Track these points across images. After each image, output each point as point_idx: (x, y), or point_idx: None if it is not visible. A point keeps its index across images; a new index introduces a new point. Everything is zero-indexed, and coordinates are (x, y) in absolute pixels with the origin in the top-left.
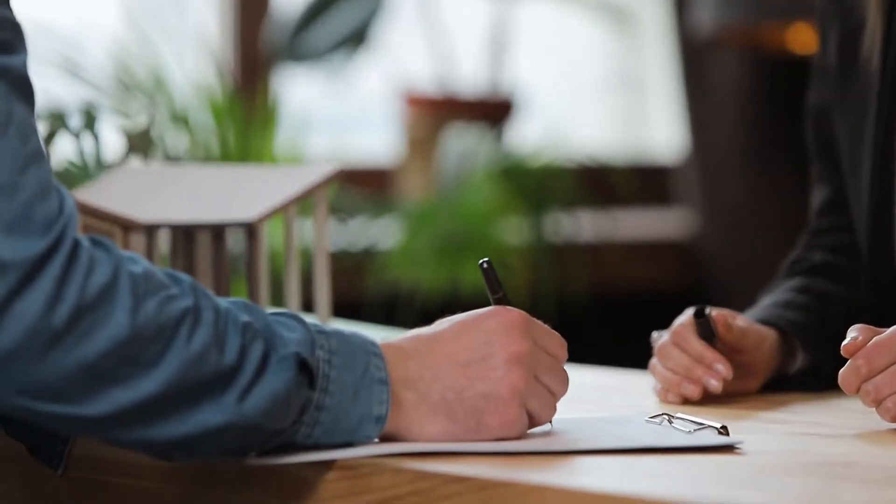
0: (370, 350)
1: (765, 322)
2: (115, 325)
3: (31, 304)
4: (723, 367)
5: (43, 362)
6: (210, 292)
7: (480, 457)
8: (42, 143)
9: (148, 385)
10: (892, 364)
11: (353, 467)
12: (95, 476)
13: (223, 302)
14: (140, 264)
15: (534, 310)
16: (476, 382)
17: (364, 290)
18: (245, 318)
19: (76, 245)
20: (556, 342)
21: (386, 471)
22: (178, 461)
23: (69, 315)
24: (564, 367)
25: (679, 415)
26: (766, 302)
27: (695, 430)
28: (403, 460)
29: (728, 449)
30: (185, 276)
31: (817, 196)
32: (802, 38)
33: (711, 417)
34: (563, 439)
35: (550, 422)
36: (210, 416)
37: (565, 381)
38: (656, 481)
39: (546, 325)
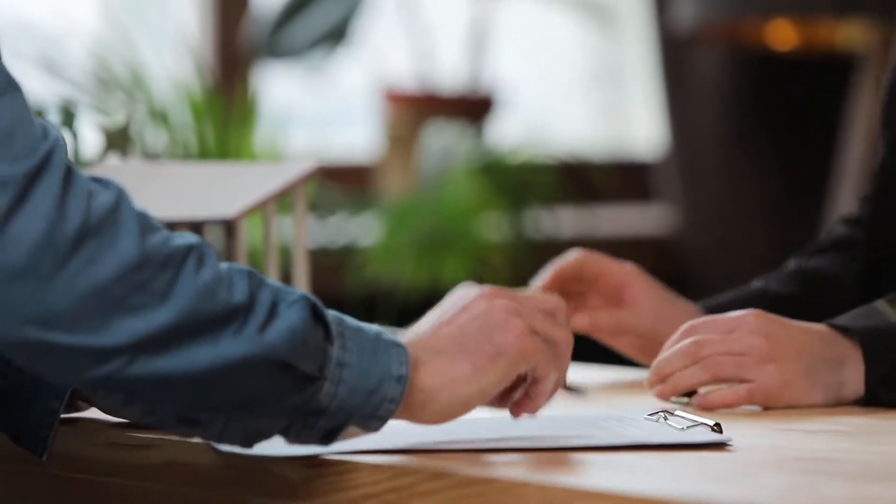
0: (373, 326)
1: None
2: (123, 249)
3: (32, 221)
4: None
5: (52, 286)
6: (211, 247)
7: (460, 453)
8: (13, 77)
9: (162, 314)
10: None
11: (332, 464)
12: (75, 474)
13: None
14: (139, 205)
15: None
16: (473, 320)
17: (344, 288)
18: (249, 270)
19: (70, 170)
20: (546, 299)
21: (365, 467)
22: (206, 424)
23: (74, 235)
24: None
25: (677, 412)
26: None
27: (688, 427)
28: (382, 456)
29: (719, 446)
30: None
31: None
32: (782, 35)
33: (711, 414)
34: (553, 436)
35: (569, 385)
36: (230, 348)
37: (566, 329)
38: (639, 477)
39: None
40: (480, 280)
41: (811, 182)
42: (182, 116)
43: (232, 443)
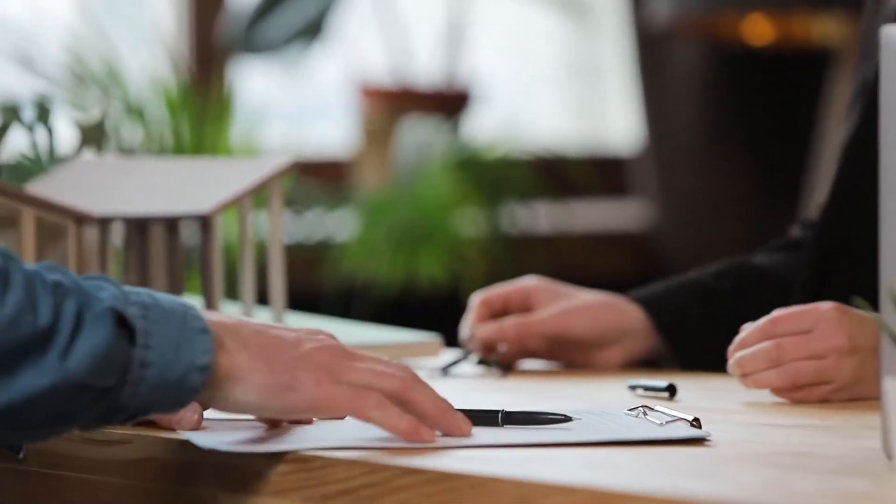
0: (185, 304)
1: (638, 299)
2: None
3: None
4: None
5: None
6: (16, 255)
7: (434, 449)
8: None
9: None
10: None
11: (306, 460)
12: (50, 470)
13: (30, 265)
14: None
15: None
16: (290, 347)
17: (320, 283)
18: (54, 277)
19: None
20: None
21: (340, 463)
22: (6, 440)
23: None
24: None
25: (657, 407)
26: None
27: (667, 423)
28: (357, 452)
29: (698, 441)
30: None
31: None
32: (758, 29)
33: (686, 410)
34: (529, 432)
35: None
36: (33, 379)
37: (393, 364)
38: (612, 472)
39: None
40: (458, 275)
41: (787, 176)
42: (158, 112)
43: (30, 444)
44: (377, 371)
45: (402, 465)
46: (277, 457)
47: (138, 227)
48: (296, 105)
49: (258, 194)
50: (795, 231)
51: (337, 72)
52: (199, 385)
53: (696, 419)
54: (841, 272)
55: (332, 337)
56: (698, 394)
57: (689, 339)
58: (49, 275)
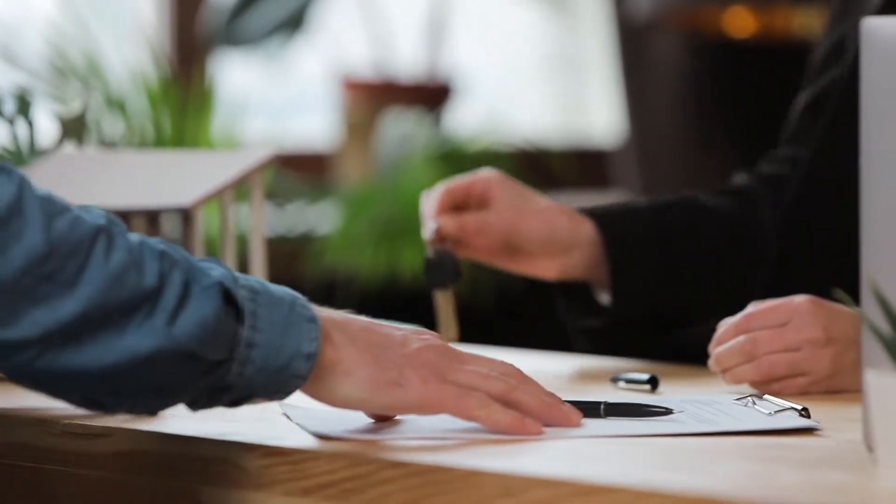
0: (294, 294)
1: (592, 213)
2: (29, 240)
3: None
4: (432, 226)
5: None
6: (123, 223)
7: (418, 442)
8: None
9: (70, 305)
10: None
11: (289, 453)
12: (25, 463)
13: (135, 235)
14: (42, 189)
15: (474, 294)
16: (398, 345)
17: (302, 276)
18: (162, 247)
19: None
20: (492, 363)
21: (322, 456)
22: (110, 407)
23: None
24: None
25: (765, 396)
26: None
27: (775, 412)
28: (340, 445)
29: (808, 431)
30: (94, 207)
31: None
32: (740, 22)
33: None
34: (644, 424)
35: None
36: (139, 340)
37: (500, 363)
38: (594, 465)
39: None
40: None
41: None
42: (139, 104)
43: (136, 415)
44: (483, 373)
45: (385, 458)
46: (259, 449)
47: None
48: (277, 98)
49: (239, 187)
50: (740, 178)
51: (318, 65)
52: (305, 372)
53: (804, 409)
54: (806, 262)
55: (438, 338)
56: (680, 387)
57: (631, 265)
58: (157, 244)
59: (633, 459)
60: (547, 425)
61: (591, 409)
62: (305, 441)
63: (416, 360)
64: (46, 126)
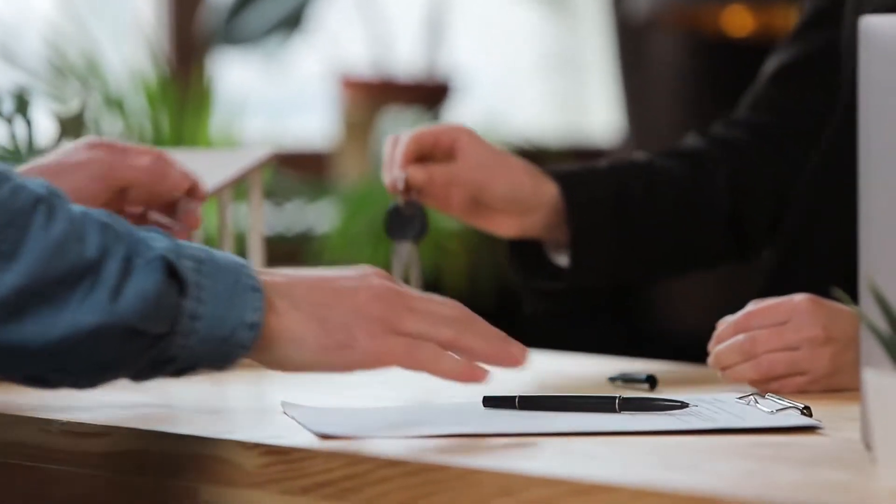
0: (239, 262)
1: (555, 175)
2: None
3: None
4: (399, 174)
5: None
6: (65, 195)
7: (416, 441)
8: None
9: (9, 278)
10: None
11: (287, 452)
12: (23, 462)
13: (78, 206)
14: None
15: (472, 294)
16: (343, 301)
17: None
18: (105, 219)
19: None
20: (442, 303)
21: (320, 455)
22: (53, 383)
23: None
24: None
25: (768, 395)
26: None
27: (777, 411)
28: (338, 444)
29: (810, 429)
30: (38, 178)
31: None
32: (738, 20)
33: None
34: (649, 420)
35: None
36: (81, 315)
37: (449, 304)
38: (591, 464)
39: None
40: (438, 267)
41: None
42: (137, 103)
43: (78, 389)
44: (432, 320)
45: (383, 457)
46: (257, 448)
47: None
48: (276, 97)
49: (238, 186)
50: (693, 140)
51: (317, 64)
52: (249, 342)
53: (806, 407)
54: (809, 260)
55: (384, 276)
56: (678, 385)
57: (592, 232)
58: (100, 216)
59: (632, 458)
60: (496, 366)
61: (605, 404)
62: (304, 440)
63: (363, 316)
64: (45, 125)
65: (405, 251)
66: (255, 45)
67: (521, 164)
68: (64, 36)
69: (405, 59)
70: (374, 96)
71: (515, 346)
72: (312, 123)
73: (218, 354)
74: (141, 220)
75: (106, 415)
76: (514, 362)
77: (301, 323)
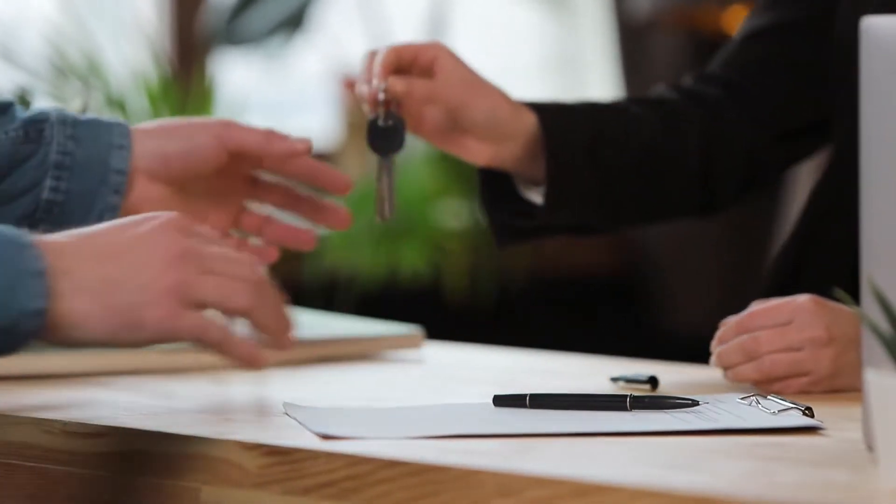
0: (21, 241)
1: (533, 105)
2: None
3: None
4: (375, 83)
5: None
6: None
7: (417, 441)
8: None
9: None
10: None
11: (289, 452)
12: (24, 462)
13: None
14: None
15: (473, 294)
16: (132, 275)
17: (302, 276)
18: None
19: None
20: (237, 258)
21: (321, 455)
22: None
23: None
24: (244, 258)
25: (770, 396)
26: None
27: (779, 411)
28: (339, 445)
29: (812, 430)
30: None
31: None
32: (739, 21)
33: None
34: (642, 418)
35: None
36: None
37: (246, 264)
38: (592, 464)
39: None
40: (439, 268)
41: None
42: (139, 104)
43: None
44: (228, 286)
45: (384, 457)
46: (259, 449)
47: None
48: (277, 97)
49: None
50: (667, 92)
51: (318, 63)
52: (36, 328)
53: (808, 408)
54: (819, 261)
55: (179, 226)
56: (680, 385)
57: (568, 173)
58: None
59: (633, 458)
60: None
61: (616, 403)
62: (305, 440)
63: (154, 290)
64: None
65: (384, 167)
66: (256, 45)
67: (500, 91)
68: (65, 36)
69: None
70: None
71: (293, 334)
72: (314, 123)
73: (6, 342)
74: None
75: (107, 415)
76: (288, 345)
77: (87, 304)
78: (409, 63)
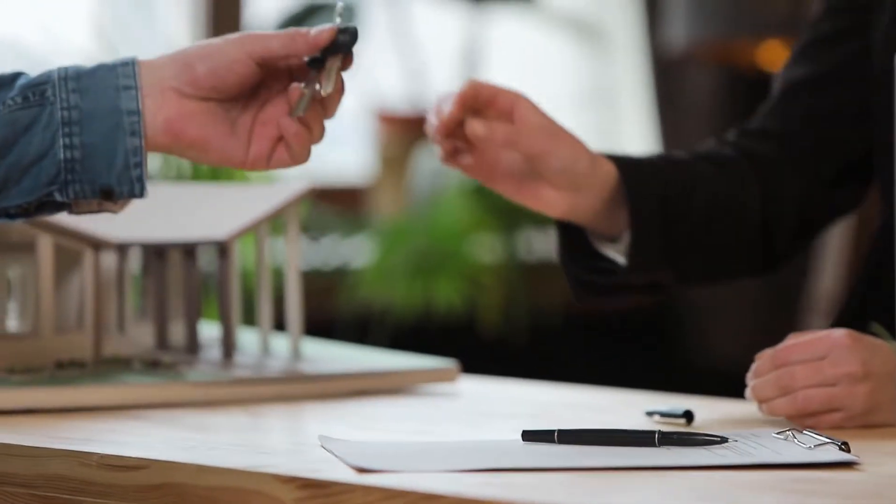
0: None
1: (610, 157)
2: None
3: None
4: (447, 109)
5: None
6: None
7: (453, 475)
8: None
9: None
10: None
11: (324, 485)
12: (61, 495)
13: None
14: None
15: (508, 328)
16: None
17: (337, 310)
18: None
19: None
20: None
21: (357, 489)
22: None
23: None
24: None
25: (806, 430)
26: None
27: (815, 446)
28: (375, 478)
29: (848, 465)
30: None
31: (768, 100)
32: (774, 56)
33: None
34: (687, 456)
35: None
36: None
37: None
38: (628, 498)
39: None
40: (474, 302)
41: None
42: None
43: None
44: None
45: (420, 490)
46: (295, 482)
47: (156, 253)
48: None
49: (275, 220)
50: (726, 149)
51: (353, 98)
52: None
53: (844, 443)
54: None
55: None
56: (715, 419)
57: (650, 230)
58: None
59: (670, 493)
60: None
61: (644, 438)
62: (341, 473)
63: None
64: None
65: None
66: None
67: (579, 139)
68: None
69: (441, 92)
70: (409, 131)
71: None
72: (349, 158)
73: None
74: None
75: (143, 447)
76: None
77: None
78: (485, 103)
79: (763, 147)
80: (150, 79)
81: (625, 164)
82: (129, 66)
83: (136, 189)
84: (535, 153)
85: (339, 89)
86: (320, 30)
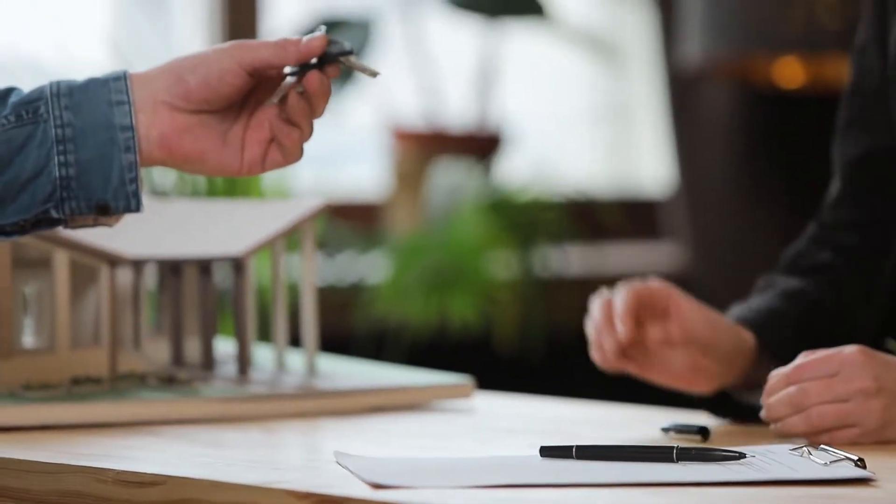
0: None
1: (745, 322)
2: None
3: None
4: (622, 329)
5: None
6: None
7: (469, 491)
8: None
9: None
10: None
11: (340, 501)
12: None
13: None
14: None
15: (524, 344)
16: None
17: (352, 326)
18: None
19: None
20: None
21: None
22: None
23: None
24: None
25: (821, 446)
26: (758, 304)
27: (831, 462)
28: (391, 494)
29: (863, 481)
30: None
31: (834, 186)
32: (790, 72)
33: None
34: (703, 471)
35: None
36: None
37: None
38: None
39: None
40: (490, 318)
41: None
42: None
43: None
44: None
45: None
46: (309, 497)
47: (172, 269)
48: (328, 147)
49: (290, 236)
50: (823, 255)
51: (369, 114)
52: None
53: (860, 459)
54: None
55: None
56: (730, 436)
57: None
58: None
59: None
60: None
61: (663, 454)
62: (356, 489)
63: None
64: None
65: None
66: None
67: (725, 319)
68: None
69: (456, 110)
70: (425, 147)
71: None
72: (364, 174)
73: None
74: None
75: (159, 464)
76: None
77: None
78: (647, 306)
79: (851, 239)
80: (143, 93)
81: (758, 329)
82: (121, 80)
83: (132, 204)
84: (704, 345)
85: (325, 92)
86: (311, 38)
